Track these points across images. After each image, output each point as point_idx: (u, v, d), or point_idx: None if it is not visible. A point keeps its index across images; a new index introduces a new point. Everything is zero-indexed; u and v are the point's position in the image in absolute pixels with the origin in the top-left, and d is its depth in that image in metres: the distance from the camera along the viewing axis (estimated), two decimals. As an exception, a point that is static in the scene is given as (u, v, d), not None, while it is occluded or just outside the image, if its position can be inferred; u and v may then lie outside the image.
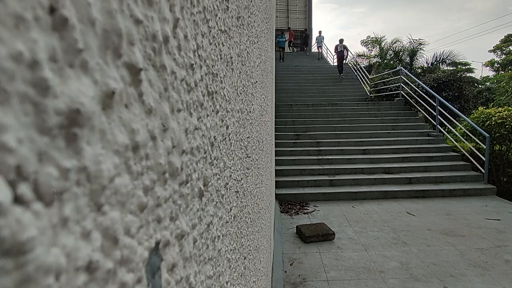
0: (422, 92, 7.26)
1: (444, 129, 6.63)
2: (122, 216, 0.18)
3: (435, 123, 6.63)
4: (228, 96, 0.49)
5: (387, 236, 3.45)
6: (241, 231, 0.66)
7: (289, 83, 10.50)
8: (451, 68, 12.95)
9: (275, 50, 11.75)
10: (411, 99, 7.75)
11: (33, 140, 0.12)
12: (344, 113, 7.50)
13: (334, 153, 6.00)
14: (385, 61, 13.94)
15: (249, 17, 0.78)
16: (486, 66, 26.00)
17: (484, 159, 5.14)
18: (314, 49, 16.29)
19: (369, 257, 2.98)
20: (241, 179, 0.67)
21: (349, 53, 11.69)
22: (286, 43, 15.06)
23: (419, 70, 12.88)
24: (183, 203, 0.28)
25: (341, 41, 11.41)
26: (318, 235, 3.33)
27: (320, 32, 14.97)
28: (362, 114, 7.45)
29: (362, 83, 10.62)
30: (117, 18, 0.17)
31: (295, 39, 17.97)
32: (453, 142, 6.22)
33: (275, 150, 5.05)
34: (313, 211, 4.36)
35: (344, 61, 11.35)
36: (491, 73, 24.87)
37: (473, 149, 5.46)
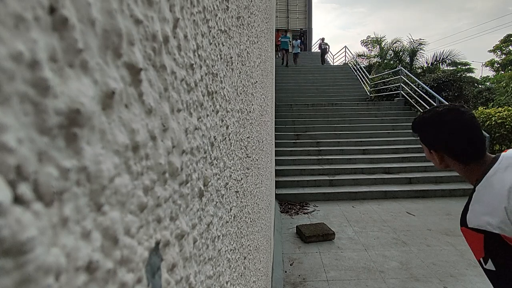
0: (422, 92, 7.26)
1: (444, 129, 6.62)
2: (122, 216, 0.18)
3: (435, 123, 6.61)
4: (228, 96, 0.49)
5: (387, 236, 3.45)
6: (241, 231, 0.66)
7: (289, 83, 10.50)
8: (451, 68, 12.95)
9: (278, 56, 11.42)
10: (411, 99, 7.75)
11: (33, 140, 0.12)
12: (344, 113, 7.50)
13: (334, 153, 6.01)
14: (385, 61, 13.94)
15: (249, 17, 0.78)
16: (486, 66, 26.02)
17: (484, 159, 5.14)
18: (314, 49, 16.22)
19: (369, 257, 2.98)
20: (241, 179, 0.67)
21: (328, 48, 15.11)
22: (290, 44, 12.92)
23: (419, 70, 12.88)
24: (183, 203, 0.28)
25: (322, 39, 14.50)
26: (318, 235, 3.33)
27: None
28: (362, 114, 7.45)
29: (362, 83, 10.62)
30: (117, 18, 0.17)
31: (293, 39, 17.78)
32: (453, 142, 6.21)
33: (275, 150, 5.05)
34: (313, 211, 4.36)
35: (326, 55, 14.66)
36: (491, 73, 24.90)
37: (473, 149, 5.45)
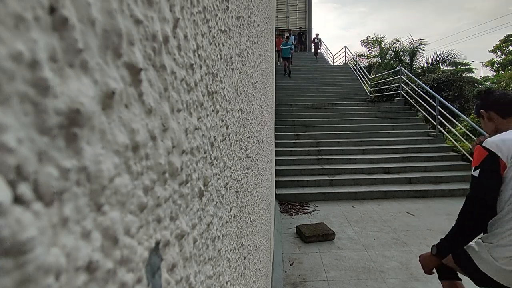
0: (422, 92, 7.25)
1: (444, 129, 6.63)
2: (122, 216, 0.18)
3: (435, 123, 6.62)
4: (228, 96, 0.49)
5: (387, 236, 3.45)
6: (241, 231, 0.66)
7: (289, 83, 10.49)
8: (451, 68, 12.95)
9: (279, 63, 10.91)
10: (411, 99, 7.75)
11: (33, 140, 0.12)
12: (344, 113, 7.50)
13: (334, 153, 6.00)
14: (385, 61, 13.94)
15: (249, 17, 0.78)
16: (486, 66, 26.03)
17: (484, 159, 5.13)
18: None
19: (369, 257, 2.98)
20: (241, 179, 0.67)
21: (322, 43, 16.56)
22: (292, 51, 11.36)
23: (419, 70, 12.87)
24: (183, 203, 0.28)
25: (317, 35, 15.63)
26: (318, 235, 3.33)
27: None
28: (362, 114, 7.45)
29: (362, 83, 10.62)
30: (117, 18, 0.17)
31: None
32: (453, 142, 6.22)
33: (275, 150, 5.04)
34: (313, 211, 4.36)
35: (318, 49, 15.60)
36: (491, 73, 24.91)
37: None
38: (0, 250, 0.10)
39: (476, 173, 1.19)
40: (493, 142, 1.19)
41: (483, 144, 1.20)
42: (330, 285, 2.53)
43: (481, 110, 1.34)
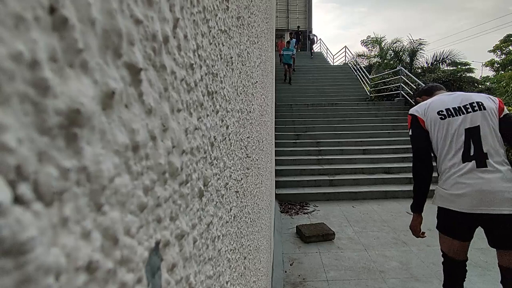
0: (422, 92, 7.25)
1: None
2: (122, 216, 0.18)
3: (435, 123, 6.62)
4: (228, 96, 0.49)
5: (387, 236, 3.45)
6: (241, 231, 0.66)
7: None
8: (451, 68, 12.96)
9: (280, 64, 10.63)
10: (411, 99, 7.75)
11: (33, 140, 0.12)
12: (344, 113, 7.50)
13: (334, 153, 6.00)
14: (385, 61, 13.95)
15: (249, 17, 0.78)
16: (486, 66, 26.05)
17: (484, 159, 5.14)
18: (315, 49, 16.46)
19: (369, 257, 2.98)
20: (241, 179, 0.67)
21: (317, 39, 17.93)
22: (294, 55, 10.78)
23: (419, 70, 12.88)
24: (183, 203, 0.28)
25: (310, 31, 17.78)
26: (318, 235, 3.33)
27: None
28: (362, 114, 7.45)
29: (362, 83, 10.62)
30: (117, 18, 0.17)
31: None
32: (453, 142, 6.20)
33: (275, 150, 5.04)
34: (313, 211, 4.36)
35: (313, 45, 16.92)
36: (491, 73, 24.93)
37: (473, 149, 5.44)
38: (0, 250, 0.10)
39: (410, 132, 1.70)
40: (413, 109, 1.71)
41: (408, 112, 1.73)
42: (330, 285, 2.53)
43: (417, 98, 1.92)
